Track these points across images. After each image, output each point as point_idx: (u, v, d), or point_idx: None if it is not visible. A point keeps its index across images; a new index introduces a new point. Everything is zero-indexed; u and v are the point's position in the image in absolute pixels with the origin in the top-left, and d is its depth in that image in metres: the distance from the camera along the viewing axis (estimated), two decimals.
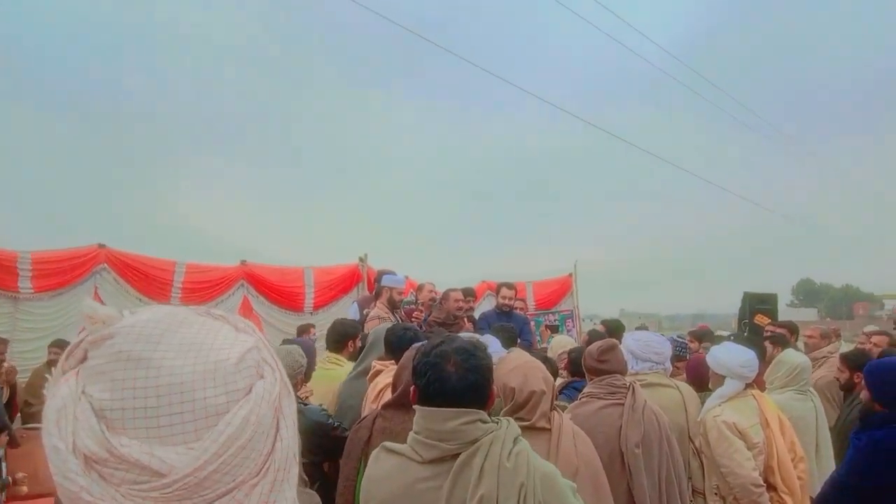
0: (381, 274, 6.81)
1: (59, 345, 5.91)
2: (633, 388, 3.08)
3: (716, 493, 3.40)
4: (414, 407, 1.86)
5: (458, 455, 1.73)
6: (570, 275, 11.06)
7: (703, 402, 3.75)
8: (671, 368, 4.04)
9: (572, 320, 10.22)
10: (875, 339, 5.65)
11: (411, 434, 1.83)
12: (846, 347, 6.59)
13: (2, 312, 6.75)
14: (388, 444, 1.90)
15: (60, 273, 7.12)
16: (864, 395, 2.98)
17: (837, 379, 4.84)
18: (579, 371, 3.78)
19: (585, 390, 3.22)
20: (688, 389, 3.72)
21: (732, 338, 5.98)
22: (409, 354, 2.77)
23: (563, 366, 4.36)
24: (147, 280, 7.64)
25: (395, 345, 3.30)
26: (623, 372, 3.21)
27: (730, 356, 3.56)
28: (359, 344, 4.46)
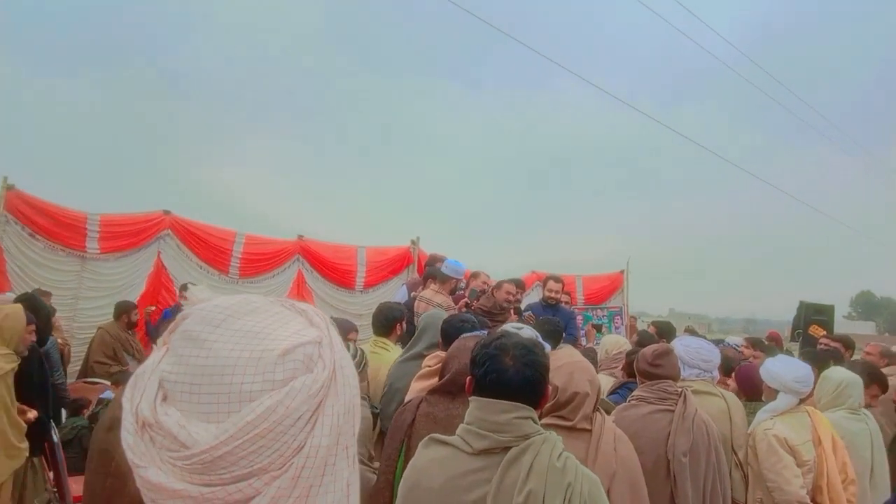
0: (432, 258, 6.86)
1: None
2: (685, 396, 3.06)
3: None
4: (469, 398, 1.89)
5: (507, 449, 1.75)
6: (622, 271, 10.91)
7: (749, 413, 3.70)
8: (718, 377, 3.98)
9: (621, 318, 10.10)
10: None
11: (462, 425, 1.86)
12: None
13: (69, 270, 7.03)
14: (436, 435, 1.92)
15: (126, 236, 7.37)
16: None
17: (894, 401, 4.66)
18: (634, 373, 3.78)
19: (635, 393, 3.21)
20: (733, 399, 3.66)
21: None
22: (459, 344, 2.81)
23: (620, 366, 4.34)
24: (208, 248, 7.85)
25: (452, 336, 3.34)
26: (676, 378, 3.19)
27: (784, 370, 3.48)
28: (405, 327, 4.53)
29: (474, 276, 6.18)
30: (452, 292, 5.65)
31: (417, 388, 3.17)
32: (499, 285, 5.83)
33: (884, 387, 4.54)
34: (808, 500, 3.21)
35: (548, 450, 1.75)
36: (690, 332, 7.74)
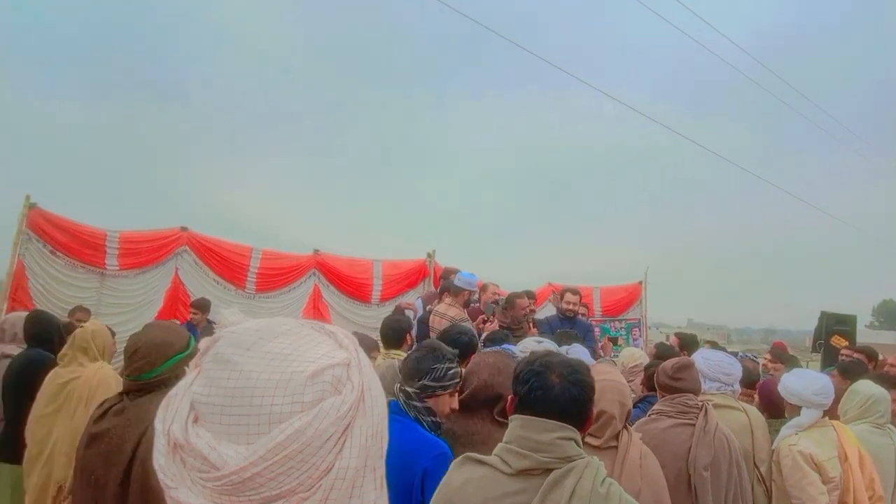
0: (447, 271, 6.87)
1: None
2: (706, 410, 3.02)
3: None
4: (511, 417, 1.84)
5: (548, 471, 1.69)
6: (640, 283, 10.83)
7: (772, 431, 3.63)
8: (740, 390, 3.93)
9: (639, 329, 10.01)
10: None
11: (501, 444, 1.81)
12: None
13: (89, 287, 7.11)
14: (472, 454, 1.87)
15: (145, 252, 7.44)
16: None
17: None
18: (653, 387, 3.75)
19: (656, 407, 3.17)
20: (755, 413, 3.61)
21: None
22: (479, 360, 2.79)
23: (640, 381, 4.30)
24: (225, 264, 7.91)
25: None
26: (697, 392, 3.15)
27: (802, 384, 3.42)
28: (414, 336, 4.53)
29: (483, 289, 6.17)
30: (466, 305, 5.65)
31: None
32: (511, 302, 5.81)
33: None
34: None
35: (591, 474, 1.70)
36: (712, 345, 7.64)
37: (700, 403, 3.05)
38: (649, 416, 3.15)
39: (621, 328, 9.53)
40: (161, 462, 0.70)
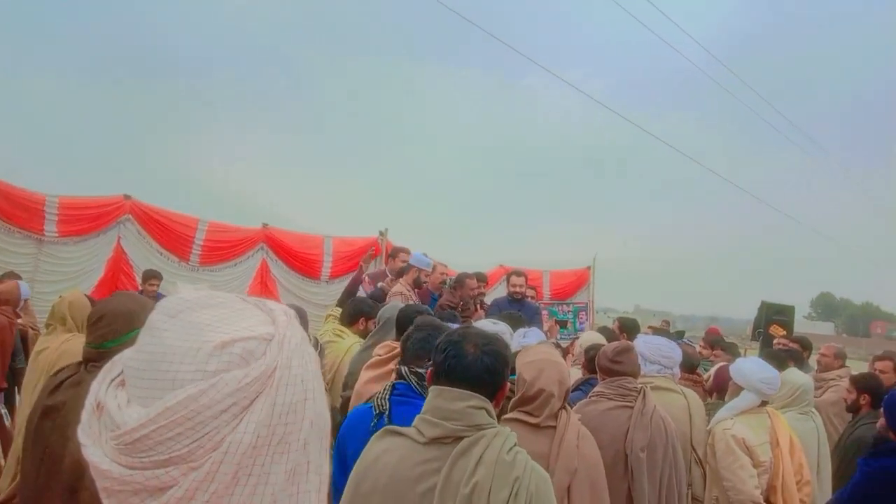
0: (396, 250, 6.83)
1: None
2: (644, 393, 3.08)
3: (714, 503, 3.40)
4: (429, 388, 1.87)
5: (459, 440, 1.73)
6: (589, 268, 11.01)
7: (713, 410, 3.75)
8: (679, 374, 4.03)
9: (586, 313, 10.17)
10: (879, 364, 5.46)
11: (417, 416, 1.84)
12: (858, 367, 6.47)
13: (25, 253, 6.85)
14: (391, 426, 1.91)
15: (86, 220, 7.20)
16: (880, 423, 2.95)
17: (845, 400, 4.77)
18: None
19: (596, 389, 3.23)
20: (694, 397, 3.71)
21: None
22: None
23: (581, 363, 4.37)
24: (169, 234, 7.70)
25: (406, 326, 3.31)
26: (636, 375, 3.21)
27: (754, 370, 3.54)
28: (372, 325, 4.52)
29: (434, 268, 6.18)
30: (417, 285, 5.64)
31: (366, 377, 3.13)
32: (461, 281, 5.83)
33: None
34: (762, 501, 3.26)
35: (499, 443, 1.73)
36: (655, 330, 7.83)
37: (639, 387, 3.11)
38: (590, 398, 3.20)
39: (569, 311, 9.64)
40: (84, 419, 0.71)
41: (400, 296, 5.16)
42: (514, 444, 1.78)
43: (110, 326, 2.25)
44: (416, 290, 5.65)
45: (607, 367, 3.21)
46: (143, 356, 0.70)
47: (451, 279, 6.01)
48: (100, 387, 0.73)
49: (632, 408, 3.00)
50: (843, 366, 6.05)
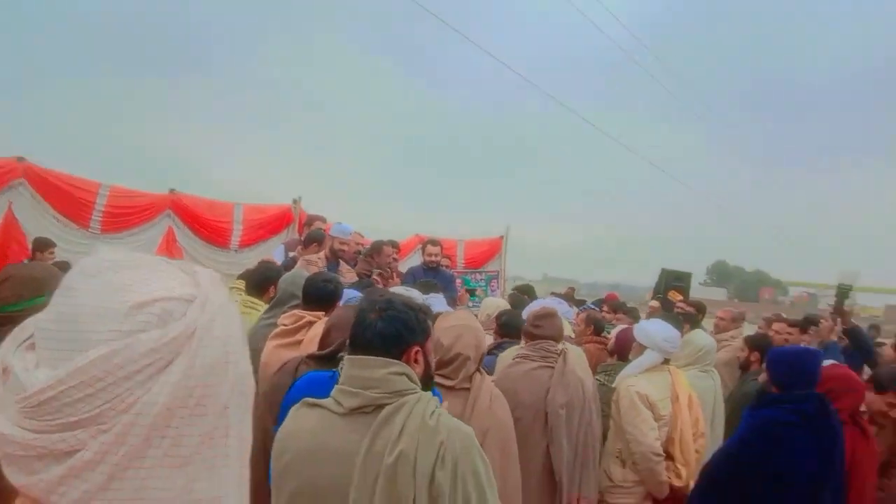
0: (311, 218, 6.70)
1: None
2: (565, 355, 3.24)
3: (617, 457, 3.60)
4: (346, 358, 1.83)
5: (380, 408, 1.69)
6: (501, 237, 11.22)
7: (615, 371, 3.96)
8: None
9: (497, 281, 10.39)
10: (776, 326, 5.94)
11: (336, 386, 1.79)
12: (749, 330, 6.97)
13: None
14: (308, 399, 1.84)
15: None
16: (762, 377, 3.21)
17: (738, 358, 5.15)
18: (508, 333, 3.98)
19: (521, 352, 3.37)
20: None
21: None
22: (340, 314, 2.72)
23: (492, 328, 4.47)
24: (67, 199, 7.17)
25: (313, 296, 3.22)
26: (557, 338, 3.35)
27: (658, 330, 3.75)
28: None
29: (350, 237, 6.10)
30: (336, 255, 5.56)
31: (272, 346, 3.06)
32: (377, 248, 5.80)
33: None
34: (661, 451, 3.48)
35: (421, 409, 1.69)
36: (560, 296, 8.13)
37: (560, 349, 3.26)
38: (514, 360, 3.34)
39: (481, 280, 9.81)
40: None
41: (310, 263, 5.07)
42: (437, 408, 1.75)
43: (13, 290, 2.14)
44: (335, 260, 5.57)
45: (530, 331, 3.38)
46: (54, 317, 0.67)
47: (366, 248, 5.97)
48: (6, 351, 0.69)
49: (553, 368, 3.14)
50: (737, 327, 6.51)
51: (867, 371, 5.10)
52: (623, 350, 4.24)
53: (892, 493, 3.50)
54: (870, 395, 3.47)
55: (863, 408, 3.48)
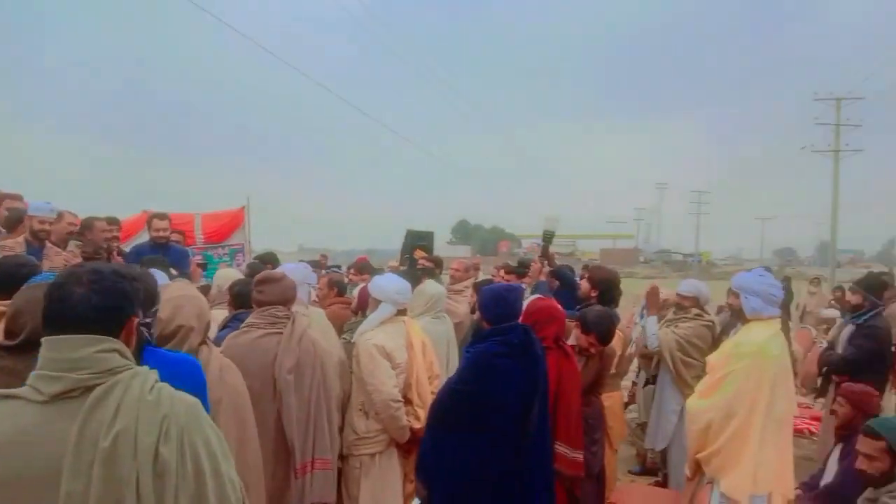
0: (1, 196, 5.82)
1: None
2: (294, 319, 3.23)
3: (360, 410, 3.74)
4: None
5: (90, 390, 1.49)
6: (243, 207, 10.77)
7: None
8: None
9: (243, 255, 10.04)
10: (501, 272, 6.61)
11: (32, 373, 1.54)
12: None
13: None
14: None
15: None
16: (476, 315, 3.54)
17: (470, 303, 5.64)
18: (243, 304, 3.83)
19: (248, 320, 3.29)
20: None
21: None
22: (28, 296, 2.42)
23: (226, 301, 4.32)
24: None
25: (3, 282, 2.87)
26: (285, 303, 3.30)
27: (389, 284, 3.90)
28: None
29: (59, 217, 5.41)
30: (37, 237, 4.91)
31: None
32: (89, 224, 5.24)
33: None
34: (400, 398, 3.68)
35: (138, 384, 1.53)
36: (312, 263, 8.17)
37: (290, 314, 3.24)
38: (241, 329, 3.25)
39: (224, 254, 9.43)
40: None
41: (5, 249, 4.43)
42: (156, 381, 1.59)
43: None
44: (38, 243, 4.91)
45: (256, 298, 3.29)
46: None
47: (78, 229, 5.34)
48: None
49: (281, 334, 3.12)
50: (470, 277, 7.09)
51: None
52: (364, 306, 4.39)
53: (597, 408, 4.13)
54: (577, 333, 4.02)
55: (572, 340, 4.03)
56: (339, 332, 4.53)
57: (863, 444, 3.13)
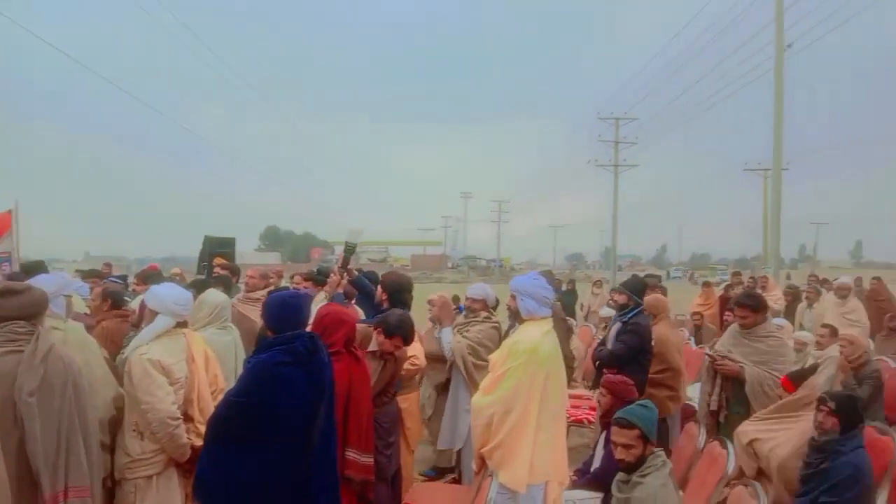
0: None
1: None
2: (38, 335, 2.89)
3: (134, 430, 3.45)
4: None
5: None
6: (10, 211, 9.60)
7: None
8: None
9: (9, 264, 8.96)
10: (299, 281, 6.49)
11: None
12: None
13: None
14: None
15: None
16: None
17: None
18: None
19: None
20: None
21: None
22: None
23: None
24: None
25: None
26: (28, 317, 2.92)
27: (167, 293, 3.66)
28: None
29: None
30: None
31: None
32: None
33: None
34: (179, 415, 3.44)
35: None
36: (94, 273, 7.63)
37: (34, 330, 2.90)
38: None
39: None
40: None
41: None
42: None
43: None
44: None
45: None
46: None
47: None
48: None
49: (22, 352, 2.79)
50: (267, 286, 6.88)
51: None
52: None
53: (391, 410, 4.19)
54: (380, 338, 4.02)
55: (374, 346, 4.03)
56: (118, 346, 4.17)
57: (618, 435, 3.43)
